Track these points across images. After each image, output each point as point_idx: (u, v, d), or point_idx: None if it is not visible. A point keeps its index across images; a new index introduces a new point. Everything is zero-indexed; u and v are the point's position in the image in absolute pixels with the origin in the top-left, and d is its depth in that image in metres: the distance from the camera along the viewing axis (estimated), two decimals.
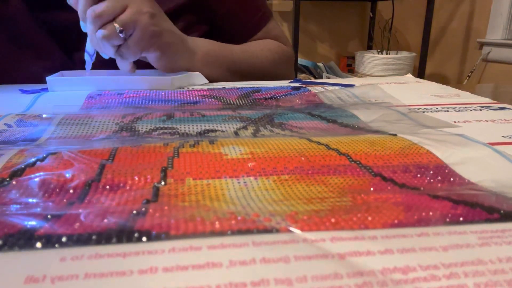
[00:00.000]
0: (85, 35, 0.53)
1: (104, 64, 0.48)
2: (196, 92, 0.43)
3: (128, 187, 0.19)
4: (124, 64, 0.46)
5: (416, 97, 0.44)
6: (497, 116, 0.35)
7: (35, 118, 0.32)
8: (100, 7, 0.42)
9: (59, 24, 0.52)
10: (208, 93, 0.43)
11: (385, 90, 0.45)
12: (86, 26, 0.43)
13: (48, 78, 0.44)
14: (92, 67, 0.49)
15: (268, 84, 0.50)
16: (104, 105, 0.38)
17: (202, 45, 0.53)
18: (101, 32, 0.41)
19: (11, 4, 0.50)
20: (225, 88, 0.46)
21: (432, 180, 0.21)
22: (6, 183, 0.19)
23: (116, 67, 0.47)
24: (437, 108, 0.38)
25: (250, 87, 0.46)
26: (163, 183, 0.20)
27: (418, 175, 0.21)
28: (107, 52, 0.45)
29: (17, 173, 0.20)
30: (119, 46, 0.44)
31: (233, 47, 0.57)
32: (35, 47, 0.52)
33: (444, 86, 0.50)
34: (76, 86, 0.45)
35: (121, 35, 0.42)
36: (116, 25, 0.42)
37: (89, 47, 0.45)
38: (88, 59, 0.46)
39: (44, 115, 0.32)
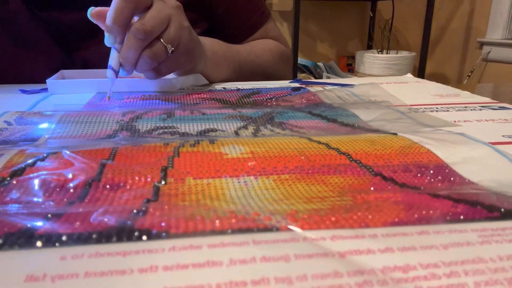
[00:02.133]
0: (86, 34, 0.52)
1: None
2: (196, 95, 0.43)
3: (128, 187, 0.19)
4: (151, 79, 0.43)
5: (416, 96, 0.44)
6: (497, 116, 0.35)
7: (34, 115, 0.32)
8: (150, 23, 0.38)
9: (59, 24, 0.52)
10: (208, 96, 0.43)
11: (385, 89, 0.45)
12: (111, 39, 0.39)
13: (48, 81, 0.44)
14: (93, 67, 0.49)
15: (268, 85, 0.50)
16: (105, 108, 0.38)
17: (210, 45, 0.52)
18: (150, 51, 0.38)
19: (11, 4, 0.50)
20: (225, 90, 0.46)
21: (432, 180, 0.21)
22: (6, 182, 0.19)
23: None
24: (437, 108, 0.38)
25: (250, 89, 0.46)
26: (163, 182, 0.20)
27: (419, 175, 0.21)
28: (145, 69, 0.41)
29: (17, 173, 0.20)
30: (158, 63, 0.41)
31: (239, 47, 0.57)
32: (35, 47, 0.52)
33: (444, 85, 0.50)
34: (76, 88, 0.44)
35: (170, 53, 0.40)
36: (168, 45, 0.39)
37: (115, 62, 0.40)
38: (113, 76, 0.40)
39: (44, 112, 0.32)
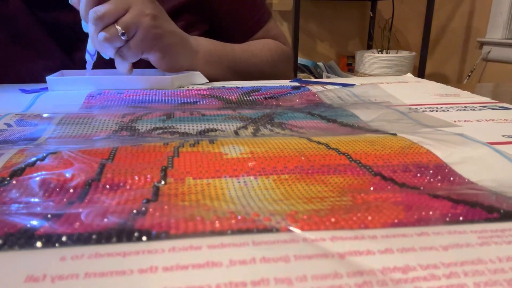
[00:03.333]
0: (85, 34, 0.53)
1: (105, 64, 0.48)
2: (196, 92, 0.43)
3: (128, 187, 0.19)
4: (122, 65, 0.46)
5: (416, 96, 0.44)
6: (497, 116, 0.35)
7: (35, 118, 0.32)
8: (102, 9, 0.41)
9: (59, 23, 0.52)
10: (208, 93, 0.43)
11: (385, 89, 0.45)
12: (88, 26, 0.43)
13: (48, 78, 0.44)
14: (93, 66, 0.49)
15: (268, 84, 0.50)
16: (104, 105, 0.38)
17: (204, 44, 0.53)
18: (103, 34, 0.41)
19: (11, 4, 0.50)
20: (225, 88, 0.46)
21: (432, 180, 0.21)
22: (6, 182, 0.19)
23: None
24: (437, 108, 0.38)
25: (250, 87, 0.46)
26: (163, 182, 0.20)
27: (418, 175, 0.21)
28: (108, 53, 0.45)
29: (17, 173, 0.20)
30: (119, 47, 0.44)
31: (234, 46, 0.57)
32: (35, 47, 0.52)
33: (444, 85, 0.50)
34: (76, 85, 0.45)
35: (122, 37, 0.42)
36: (118, 27, 0.42)
37: (90, 47, 0.45)
38: (89, 59, 0.45)
39: (44, 115, 0.32)
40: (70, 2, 0.44)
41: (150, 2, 0.45)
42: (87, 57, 0.45)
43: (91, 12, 0.41)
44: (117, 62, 0.46)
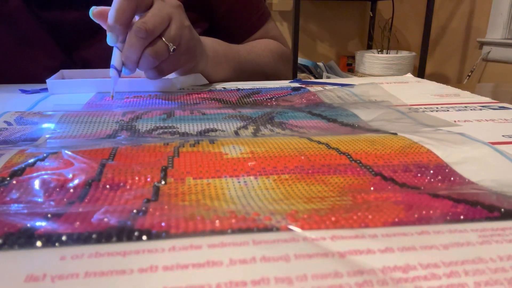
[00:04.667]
0: (86, 33, 0.52)
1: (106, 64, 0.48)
2: (196, 95, 0.43)
3: (128, 187, 0.19)
4: (153, 79, 0.43)
5: (416, 96, 0.44)
6: (497, 116, 0.35)
7: (34, 116, 0.32)
8: (151, 22, 0.38)
9: (59, 23, 0.52)
10: (208, 95, 0.43)
11: (385, 89, 0.45)
12: (117, 38, 0.39)
13: (48, 81, 0.44)
14: (93, 67, 0.49)
15: (268, 85, 0.50)
16: (105, 108, 0.38)
17: (210, 45, 0.52)
18: (152, 50, 0.39)
19: (11, 3, 0.50)
20: (225, 90, 0.46)
21: (432, 180, 0.21)
22: (6, 182, 0.19)
23: None
24: (437, 108, 0.38)
25: (250, 89, 0.46)
26: (163, 182, 0.20)
27: (419, 175, 0.21)
28: (146, 68, 0.41)
29: (17, 173, 0.20)
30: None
31: (239, 47, 0.57)
32: (35, 47, 0.52)
33: (444, 85, 0.50)
34: (76, 88, 0.44)
35: (171, 52, 0.40)
36: (170, 44, 0.40)
37: (118, 61, 0.40)
38: (115, 76, 0.40)
39: (44, 113, 0.32)
40: (91, 14, 0.40)
41: (183, 11, 0.43)
42: (113, 72, 0.40)
43: (138, 25, 0.38)
44: (149, 77, 0.43)
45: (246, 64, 0.57)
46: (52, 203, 0.18)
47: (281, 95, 0.43)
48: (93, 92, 0.44)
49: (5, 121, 0.31)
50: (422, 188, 0.20)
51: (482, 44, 2.10)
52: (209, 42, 0.52)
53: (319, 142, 0.25)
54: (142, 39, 0.38)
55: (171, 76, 0.47)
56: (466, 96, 0.44)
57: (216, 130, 0.30)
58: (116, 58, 0.40)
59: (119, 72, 0.40)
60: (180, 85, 0.47)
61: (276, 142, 0.24)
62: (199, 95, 0.43)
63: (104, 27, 0.39)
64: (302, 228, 0.16)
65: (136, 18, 0.40)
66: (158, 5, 0.40)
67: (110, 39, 0.39)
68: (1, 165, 0.20)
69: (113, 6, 0.38)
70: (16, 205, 0.17)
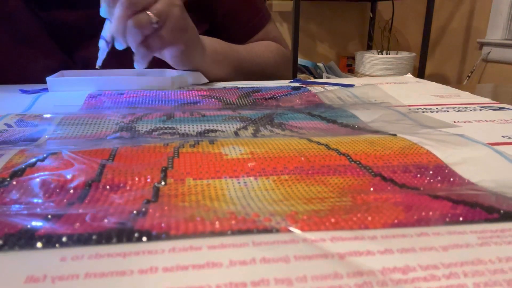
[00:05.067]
0: (86, 34, 0.52)
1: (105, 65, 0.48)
2: (196, 92, 0.43)
3: (128, 187, 0.19)
4: (143, 60, 0.44)
5: (416, 97, 0.44)
6: (497, 116, 0.35)
7: (35, 118, 0.32)
8: None
9: (59, 23, 0.52)
10: (208, 93, 0.43)
11: (385, 90, 0.45)
12: (109, 10, 0.41)
13: (48, 79, 0.44)
14: (94, 68, 0.49)
15: (268, 84, 0.50)
16: (104, 105, 0.38)
17: (210, 43, 0.53)
18: (135, 20, 0.40)
19: (11, 3, 0.50)
20: (225, 88, 0.46)
21: (432, 180, 0.21)
22: (6, 183, 0.19)
23: (116, 67, 0.47)
24: (437, 108, 0.38)
25: (250, 87, 0.46)
26: (163, 183, 0.20)
27: (418, 175, 0.21)
28: (134, 41, 0.42)
29: (17, 173, 0.20)
30: (145, 37, 0.42)
31: (239, 47, 0.57)
32: (35, 47, 0.52)
33: (444, 86, 0.50)
34: (76, 86, 0.45)
35: (155, 25, 0.41)
36: (152, 15, 0.41)
37: (108, 33, 0.42)
38: (104, 47, 0.42)
39: (44, 115, 0.32)
40: None
41: None
42: (102, 44, 0.42)
43: None
44: (138, 55, 0.44)
45: (246, 63, 0.57)
46: (52, 204, 0.18)
47: (281, 94, 0.43)
48: (93, 90, 0.44)
49: (5, 123, 0.31)
50: (422, 188, 0.20)
51: (482, 44, 2.10)
52: (208, 41, 0.52)
53: (319, 143, 0.25)
54: (126, 10, 0.40)
55: (171, 75, 0.47)
56: (466, 96, 0.44)
57: (216, 131, 0.30)
58: (106, 30, 0.42)
59: (108, 43, 0.42)
60: (180, 84, 0.47)
61: (276, 143, 0.24)
62: (199, 93, 0.43)
63: None
64: (302, 229, 0.16)
65: None
66: None
67: (103, 10, 0.41)
68: (1, 165, 0.20)
69: None
70: (16, 206, 0.17)
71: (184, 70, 0.49)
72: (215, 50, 0.52)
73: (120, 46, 0.42)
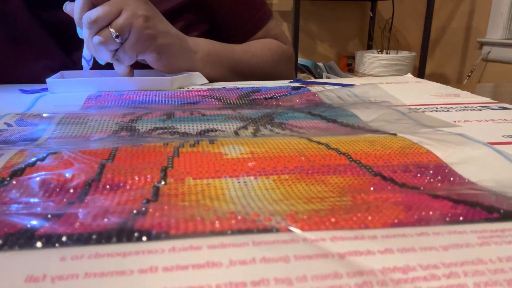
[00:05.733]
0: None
1: (105, 65, 0.48)
2: (196, 92, 0.43)
3: (128, 187, 0.19)
4: (121, 68, 0.46)
5: (416, 96, 0.44)
6: (497, 116, 0.35)
7: (35, 117, 0.32)
8: (95, 13, 0.42)
9: (59, 23, 0.52)
10: (208, 93, 0.43)
11: (385, 89, 0.45)
12: (83, 32, 0.44)
13: (48, 80, 0.44)
14: (93, 68, 0.49)
15: (268, 84, 0.50)
16: (104, 106, 0.38)
17: (203, 44, 0.53)
18: (98, 38, 0.42)
19: (11, 3, 0.50)
20: (225, 88, 0.46)
21: (432, 180, 0.21)
22: (6, 182, 0.19)
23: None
24: (437, 108, 0.38)
25: (250, 87, 0.46)
26: (163, 182, 0.20)
27: (418, 175, 0.21)
28: (104, 57, 0.45)
29: (17, 173, 0.20)
30: (115, 51, 0.44)
31: (234, 46, 0.57)
32: (35, 47, 0.52)
33: (444, 85, 0.50)
34: (76, 87, 0.45)
35: (117, 40, 0.43)
36: (112, 30, 0.42)
37: (86, 52, 0.45)
38: (85, 65, 0.46)
39: (44, 114, 0.32)
40: (64, 10, 0.46)
41: (143, 3, 0.45)
42: (83, 63, 0.46)
43: (85, 17, 0.42)
44: (116, 66, 0.46)
45: (242, 63, 0.57)
46: (52, 203, 0.18)
47: (281, 94, 0.43)
48: (93, 91, 0.44)
49: (5, 123, 0.31)
50: (422, 188, 0.20)
51: (482, 44, 2.10)
52: (201, 42, 0.53)
53: (319, 143, 0.25)
54: (90, 29, 0.42)
55: (171, 75, 0.47)
56: (466, 96, 0.44)
57: (216, 130, 0.30)
58: (84, 49, 0.46)
59: (88, 61, 0.46)
60: (179, 84, 0.47)
61: (276, 143, 0.24)
62: (199, 93, 0.43)
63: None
64: (302, 229, 0.16)
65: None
66: None
67: (78, 33, 0.45)
68: (1, 165, 0.20)
69: (75, 3, 0.43)
70: (16, 205, 0.17)
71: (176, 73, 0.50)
72: (207, 51, 0.53)
73: (101, 62, 0.46)
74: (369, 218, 0.17)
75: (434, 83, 0.52)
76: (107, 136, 0.28)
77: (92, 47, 0.43)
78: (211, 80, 0.52)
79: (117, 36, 0.42)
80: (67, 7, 0.45)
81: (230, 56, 0.56)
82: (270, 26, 0.65)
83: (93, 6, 0.43)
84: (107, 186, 0.19)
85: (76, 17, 0.43)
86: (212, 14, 0.61)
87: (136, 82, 0.45)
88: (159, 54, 0.47)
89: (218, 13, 0.61)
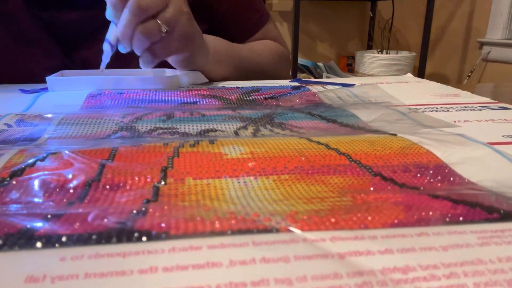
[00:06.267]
0: (86, 34, 0.52)
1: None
2: (196, 92, 0.43)
3: (128, 187, 0.19)
4: (148, 64, 0.44)
5: (416, 96, 0.44)
6: (497, 116, 0.35)
7: (35, 118, 0.32)
8: (144, 0, 0.39)
9: (59, 23, 0.52)
10: (208, 93, 0.43)
11: (385, 89, 0.45)
12: (115, 14, 0.40)
13: (48, 78, 0.44)
14: (93, 67, 0.49)
15: (268, 84, 0.50)
16: (104, 105, 0.38)
17: (212, 42, 0.52)
18: (143, 27, 0.39)
19: (11, 3, 0.50)
20: (225, 88, 0.46)
21: (432, 180, 0.21)
22: (6, 182, 0.19)
23: (116, 66, 0.47)
24: (437, 108, 0.38)
25: (250, 87, 0.46)
26: (163, 182, 0.20)
27: (418, 175, 0.21)
28: (139, 47, 0.41)
29: (17, 173, 0.20)
30: (152, 43, 0.42)
31: (239, 46, 0.57)
32: (35, 47, 0.52)
33: (444, 85, 0.50)
34: (76, 86, 0.45)
35: (163, 34, 0.40)
36: (162, 24, 0.40)
37: (113, 36, 0.41)
38: (108, 50, 0.41)
39: (44, 115, 0.32)
40: None
41: (185, 0, 0.44)
42: (106, 47, 0.41)
43: (133, 1, 0.39)
44: (144, 60, 0.43)
45: (247, 63, 0.57)
46: (51, 203, 0.18)
47: (281, 93, 0.43)
48: (93, 90, 0.44)
49: (5, 123, 0.31)
50: (422, 188, 0.20)
51: (482, 44, 2.10)
52: (211, 40, 0.52)
53: (319, 143, 0.25)
54: (135, 16, 0.39)
55: (171, 74, 0.47)
56: (466, 96, 0.44)
57: (216, 131, 0.30)
58: (111, 33, 0.41)
59: (112, 46, 0.41)
60: (179, 83, 0.47)
61: (276, 143, 0.24)
62: (199, 92, 0.43)
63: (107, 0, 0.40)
64: (302, 229, 0.16)
65: None
66: None
67: (109, 13, 0.40)
68: (1, 165, 0.20)
69: None
70: (16, 205, 0.17)
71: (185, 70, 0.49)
72: (217, 50, 0.52)
73: (124, 50, 0.42)
74: (369, 218, 0.17)
75: (434, 83, 0.52)
76: (107, 136, 0.28)
77: (128, 33, 0.40)
78: (217, 79, 0.52)
79: (166, 31, 0.40)
80: None
81: (237, 55, 0.56)
82: (268, 28, 0.65)
83: None
84: (107, 186, 0.19)
85: None
86: (212, 15, 0.61)
87: (136, 81, 0.45)
88: (192, 54, 0.46)
89: (217, 13, 0.61)
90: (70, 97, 0.42)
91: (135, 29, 0.40)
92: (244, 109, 0.37)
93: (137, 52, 0.42)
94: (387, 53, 2.00)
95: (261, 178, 0.20)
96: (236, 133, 0.29)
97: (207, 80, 0.51)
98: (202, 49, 0.48)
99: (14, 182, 0.19)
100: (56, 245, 0.14)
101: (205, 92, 0.43)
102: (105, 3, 0.41)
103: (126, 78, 0.45)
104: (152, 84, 0.45)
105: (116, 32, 0.40)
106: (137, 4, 0.38)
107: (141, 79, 0.45)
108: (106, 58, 0.41)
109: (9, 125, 0.30)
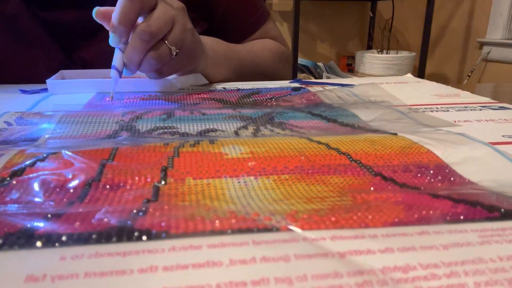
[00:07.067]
0: (86, 33, 0.52)
1: (104, 65, 0.48)
2: (196, 95, 0.43)
3: (128, 187, 0.19)
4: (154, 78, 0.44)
5: (416, 96, 0.44)
6: (497, 116, 0.35)
7: (34, 116, 0.32)
8: (155, 24, 0.38)
9: (59, 23, 0.52)
10: (208, 96, 0.43)
11: (385, 89, 0.45)
12: (119, 39, 0.39)
13: (48, 81, 0.43)
14: (93, 67, 0.49)
15: (268, 85, 0.50)
16: (105, 108, 0.38)
17: (210, 45, 0.52)
18: (156, 53, 0.39)
19: (11, 3, 0.50)
20: (225, 90, 0.46)
21: (432, 180, 0.21)
22: (6, 182, 0.19)
23: None
24: (437, 108, 0.38)
25: (250, 89, 0.46)
26: (163, 182, 0.20)
27: (419, 175, 0.21)
28: (148, 70, 0.41)
29: (17, 173, 0.20)
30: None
31: (239, 47, 0.57)
32: (35, 47, 0.52)
33: (444, 85, 0.50)
34: (76, 88, 0.44)
35: (174, 56, 0.40)
36: (173, 47, 0.40)
37: (119, 62, 0.39)
38: (116, 76, 0.40)
39: (44, 113, 0.32)
40: (95, 16, 0.40)
41: (186, 14, 0.43)
42: (113, 73, 0.39)
43: (143, 27, 0.37)
44: (149, 77, 0.43)
45: (246, 64, 0.57)
46: (52, 203, 0.18)
47: (281, 95, 0.43)
48: (93, 92, 0.44)
49: (5, 122, 0.31)
50: (422, 188, 0.20)
51: (482, 44, 2.10)
52: (209, 42, 0.52)
53: (319, 142, 0.25)
54: (146, 42, 0.38)
55: (171, 76, 0.47)
56: (466, 96, 0.44)
57: (216, 130, 0.30)
58: (117, 59, 0.39)
59: (119, 73, 0.40)
60: (180, 85, 0.47)
61: (276, 142, 0.24)
62: (199, 95, 0.43)
63: (107, 27, 0.39)
64: (302, 228, 0.16)
65: (140, 19, 0.40)
66: (162, 7, 0.40)
67: (112, 40, 0.39)
68: (1, 165, 0.20)
69: (117, 7, 0.38)
70: (16, 205, 0.17)
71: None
72: (215, 52, 0.52)
73: (130, 74, 0.41)
74: (370, 217, 0.17)
75: (434, 83, 0.52)
76: (107, 136, 0.28)
77: (138, 59, 0.39)
78: (216, 80, 0.52)
79: (176, 53, 0.40)
80: (97, 11, 0.40)
81: (236, 57, 0.55)
82: (268, 27, 0.65)
83: (138, 13, 0.38)
84: (107, 186, 0.19)
85: (115, 21, 0.37)
86: (211, 13, 0.61)
87: (137, 83, 0.45)
88: (195, 66, 0.46)
89: (216, 12, 0.61)
90: (71, 102, 0.41)
91: (145, 54, 0.39)
92: (244, 108, 0.37)
93: (144, 73, 0.42)
94: (387, 53, 2.00)
95: (261, 178, 0.20)
96: (236, 133, 0.29)
97: (207, 81, 0.51)
98: (203, 56, 0.48)
99: (14, 182, 0.19)
100: (56, 244, 0.14)
101: (205, 95, 0.43)
102: (105, 3, 0.41)
103: (127, 80, 0.44)
104: (152, 87, 0.45)
105: (124, 58, 0.39)
106: (148, 29, 0.37)
107: (143, 81, 0.45)
108: (114, 84, 0.40)
109: (9, 123, 0.30)
